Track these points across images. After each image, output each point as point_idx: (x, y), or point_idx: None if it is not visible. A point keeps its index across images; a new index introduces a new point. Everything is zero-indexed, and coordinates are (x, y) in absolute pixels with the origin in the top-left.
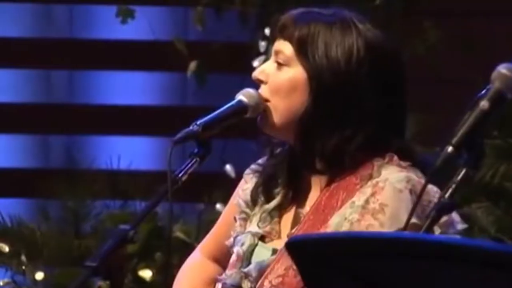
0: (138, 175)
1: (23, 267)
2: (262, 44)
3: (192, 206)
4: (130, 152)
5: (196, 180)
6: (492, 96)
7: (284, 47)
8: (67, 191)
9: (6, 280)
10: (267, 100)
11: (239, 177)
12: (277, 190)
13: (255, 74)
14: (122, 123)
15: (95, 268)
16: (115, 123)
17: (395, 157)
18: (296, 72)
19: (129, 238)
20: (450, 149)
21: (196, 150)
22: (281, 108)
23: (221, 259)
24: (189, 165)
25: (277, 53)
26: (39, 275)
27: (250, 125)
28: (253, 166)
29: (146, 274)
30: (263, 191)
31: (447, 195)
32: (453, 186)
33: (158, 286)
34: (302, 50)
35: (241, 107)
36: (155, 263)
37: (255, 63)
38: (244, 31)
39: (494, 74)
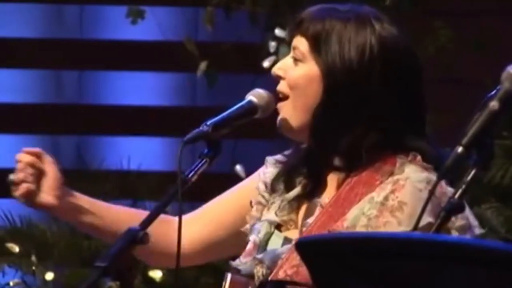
0: (148, 176)
1: (33, 268)
2: (272, 45)
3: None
4: (140, 153)
5: (206, 180)
6: (502, 96)
7: (300, 43)
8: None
9: (16, 280)
10: (285, 96)
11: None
12: (298, 180)
13: (274, 71)
14: (132, 124)
15: (105, 269)
16: (125, 123)
17: (419, 157)
18: (310, 68)
19: (139, 239)
20: (460, 149)
21: (206, 151)
22: (299, 104)
23: (206, 220)
24: (199, 165)
25: (294, 48)
26: (49, 276)
27: (260, 125)
28: (277, 156)
29: (156, 274)
30: (285, 180)
31: (457, 195)
32: (463, 186)
33: (168, 287)
34: (316, 46)
35: (251, 108)
36: None
37: (265, 64)
38: (254, 31)
39: (504, 75)
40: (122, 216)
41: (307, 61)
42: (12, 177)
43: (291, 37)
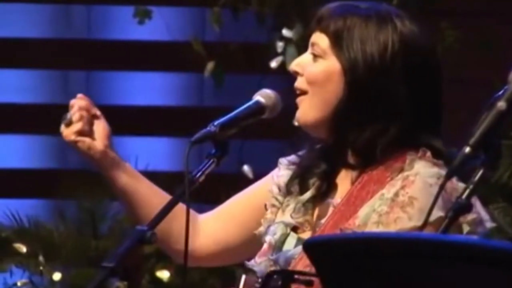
0: (156, 176)
1: (41, 268)
2: (280, 45)
3: (209, 207)
4: (147, 153)
5: (213, 181)
6: (510, 97)
7: (320, 39)
8: (85, 191)
9: (23, 280)
10: (304, 92)
11: (256, 177)
12: (312, 181)
13: (292, 67)
14: (139, 124)
15: (112, 269)
16: (132, 123)
17: (429, 153)
18: (331, 64)
19: (147, 238)
20: (467, 149)
21: (213, 151)
22: (317, 99)
23: (221, 219)
24: (207, 165)
25: (313, 44)
26: (57, 276)
27: (267, 126)
28: (290, 157)
29: (163, 274)
30: (299, 182)
31: (464, 195)
32: (471, 186)
33: (176, 287)
34: (337, 42)
35: (259, 108)
36: (172, 264)
37: (273, 64)
38: (261, 31)
39: (511, 75)
40: (155, 191)
41: (328, 57)
42: (68, 115)
43: (310, 33)
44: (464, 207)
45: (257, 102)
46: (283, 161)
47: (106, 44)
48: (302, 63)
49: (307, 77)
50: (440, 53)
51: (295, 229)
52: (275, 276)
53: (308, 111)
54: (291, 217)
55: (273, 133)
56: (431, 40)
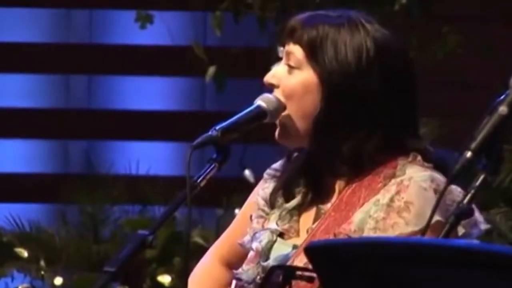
0: (157, 180)
1: (42, 272)
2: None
3: (210, 211)
4: (149, 157)
5: (215, 185)
6: (511, 101)
7: (295, 50)
8: (86, 196)
9: (25, 285)
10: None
11: (258, 182)
12: (298, 190)
13: (267, 79)
14: (141, 128)
15: (114, 273)
16: (134, 128)
17: (419, 157)
18: (307, 75)
19: (148, 243)
20: (468, 154)
21: (215, 155)
22: (296, 113)
23: (234, 262)
24: (208, 170)
25: (288, 55)
26: (58, 280)
27: (269, 130)
28: (270, 171)
29: (165, 279)
30: (283, 194)
31: (466, 200)
32: (472, 191)
33: None
34: (312, 53)
35: (260, 112)
36: (173, 268)
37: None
38: (262, 36)
39: None
40: None
41: (303, 68)
42: None
43: (281, 45)
44: (465, 212)
45: (259, 107)
46: (269, 172)
47: (107, 48)
48: (277, 75)
49: (283, 91)
50: (442, 58)
51: (281, 235)
52: (277, 271)
53: (288, 125)
54: (277, 224)
55: (275, 138)
56: (402, 43)
